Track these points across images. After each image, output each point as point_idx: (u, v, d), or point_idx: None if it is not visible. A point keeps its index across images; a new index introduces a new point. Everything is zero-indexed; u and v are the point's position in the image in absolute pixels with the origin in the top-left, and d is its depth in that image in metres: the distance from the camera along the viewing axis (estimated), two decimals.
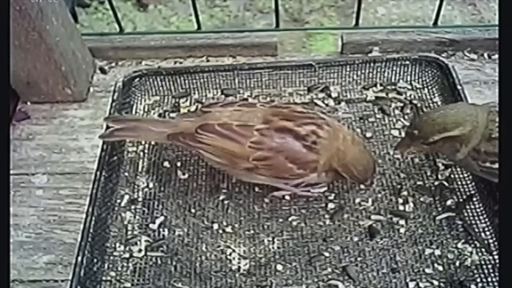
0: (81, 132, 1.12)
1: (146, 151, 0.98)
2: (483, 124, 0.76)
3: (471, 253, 0.82)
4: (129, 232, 0.87)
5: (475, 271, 0.80)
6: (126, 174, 0.94)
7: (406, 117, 1.01)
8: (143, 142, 1.00)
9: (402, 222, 0.86)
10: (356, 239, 0.84)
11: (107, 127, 0.88)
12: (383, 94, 1.04)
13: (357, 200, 0.89)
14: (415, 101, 1.03)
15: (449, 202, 0.88)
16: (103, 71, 1.26)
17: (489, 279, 0.79)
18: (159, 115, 1.04)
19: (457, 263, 0.81)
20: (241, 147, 0.80)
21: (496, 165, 0.75)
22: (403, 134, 0.97)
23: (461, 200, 0.88)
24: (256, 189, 0.91)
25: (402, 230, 0.85)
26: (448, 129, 0.77)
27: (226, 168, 0.87)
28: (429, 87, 1.04)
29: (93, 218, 0.82)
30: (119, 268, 0.83)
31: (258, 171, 0.83)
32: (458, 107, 0.80)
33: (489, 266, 0.80)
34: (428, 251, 0.82)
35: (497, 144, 0.74)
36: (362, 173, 0.84)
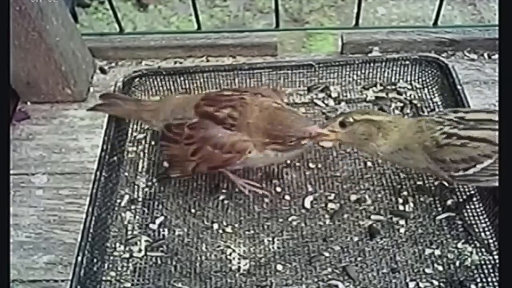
0: (81, 132, 1.12)
1: (146, 151, 0.98)
2: (410, 127, 0.80)
3: (471, 253, 0.82)
4: (129, 232, 0.87)
5: (475, 271, 0.80)
6: (126, 174, 0.94)
7: (406, 117, 1.01)
8: (143, 142, 1.00)
9: (402, 222, 0.86)
10: (356, 239, 0.84)
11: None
12: (383, 94, 1.04)
13: (357, 200, 0.89)
14: (415, 101, 1.03)
15: (449, 202, 0.88)
16: (103, 71, 1.26)
17: (489, 279, 0.79)
18: None
19: (457, 263, 0.81)
20: (181, 148, 0.84)
21: (471, 171, 0.76)
22: None
23: (461, 200, 0.88)
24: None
25: (402, 230, 0.85)
26: (371, 113, 0.82)
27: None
28: (429, 87, 1.04)
29: (93, 218, 0.82)
30: (119, 268, 0.83)
31: (199, 168, 0.84)
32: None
33: (489, 266, 0.80)
34: (428, 251, 0.82)
35: (460, 150, 0.75)
36: (292, 131, 0.80)
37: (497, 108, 0.87)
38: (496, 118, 0.77)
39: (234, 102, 0.83)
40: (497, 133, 0.74)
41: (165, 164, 0.95)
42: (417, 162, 0.80)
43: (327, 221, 0.87)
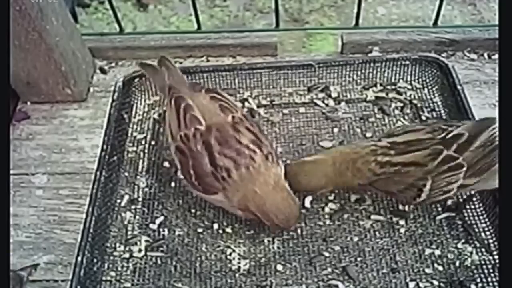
0: (81, 132, 1.12)
1: (146, 151, 0.98)
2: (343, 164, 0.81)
3: (471, 253, 0.82)
4: (129, 232, 0.87)
5: (475, 271, 0.80)
6: (126, 174, 0.94)
7: (406, 117, 1.01)
8: (143, 142, 1.00)
9: (402, 222, 0.86)
10: (356, 239, 0.84)
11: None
12: (383, 94, 1.04)
13: (357, 200, 0.89)
14: (415, 101, 1.03)
15: (449, 202, 0.88)
16: (103, 71, 1.26)
17: (489, 279, 0.79)
18: (159, 115, 1.04)
19: (457, 263, 0.81)
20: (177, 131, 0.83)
21: (423, 196, 0.77)
22: None
23: (461, 200, 0.88)
24: None
25: (402, 230, 0.85)
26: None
27: None
28: (429, 87, 1.04)
29: (93, 218, 0.82)
30: (119, 268, 0.83)
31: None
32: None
33: (489, 266, 0.80)
34: (428, 251, 0.82)
35: (397, 180, 0.78)
36: (283, 222, 0.79)
37: (426, 123, 0.88)
38: (423, 136, 0.78)
39: (240, 157, 0.79)
40: (425, 151, 0.75)
41: (166, 164, 0.96)
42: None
43: (327, 221, 0.87)
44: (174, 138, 0.84)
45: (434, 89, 1.03)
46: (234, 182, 0.78)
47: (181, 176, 0.87)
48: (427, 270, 0.80)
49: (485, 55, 1.22)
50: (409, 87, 1.05)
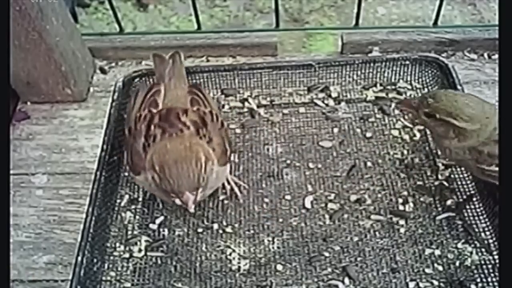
0: (81, 132, 1.12)
1: None
2: (490, 128, 0.76)
3: (471, 253, 0.82)
4: (129, 232, 0.87)
5: (475, 271, 0.80)
6: (126, 174, 0.94)
7: (406, 117, 1.01)
8: None
9: (402, 222, 0.86)
10: (356, 239, 0.84)
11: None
12: (383, 94, 1.04)
13: (357, 200, 0.89)
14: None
15: (449, 202, 0.88)
16: (103, 71, 1.26)
17: (489, 279, 0.79)
18: None
19: (457, 263, 0.81)
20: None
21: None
22: (403, 134, 0.98)
23: (461, 200, 0.88)
24: (256, 188, 0.91)
25: (402, 230, 0.85)
26: (458, 118, 0.77)
27: None
28: (429, 87, 1.04)
29: (93, 218, 0.82)
30: (119, 268, 0.83)
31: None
32: (481, 104, 0.79)
33: (489, 266, 0.80)
34: (428, 251, 0.82)
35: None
36: (176, 180, 0.72)
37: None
38: None
39: (171, 128, 0.78)
40: None
41: None
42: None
43: (327, 221, 0.87)
44: (129, 120, 0.85)
45: (434, 89, 1.03)
46: (154, 145, 0.77)
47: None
48: (427, 270, 0.80)
49: (485, 55, 1.22)
50: (409, 87, 1.05)
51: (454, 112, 0.77)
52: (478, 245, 0.82)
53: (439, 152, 0.93)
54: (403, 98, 1.03)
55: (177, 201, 0.74)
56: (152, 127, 0.79)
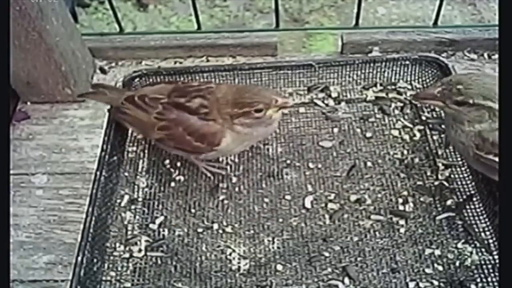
0: (81, 132, 1.12)
1: (146, 151, 0.98)
2: None
3: (471, 253, 0.82)
4: (129, 232, 0.87)
5: (475, 271, 0.80)
6: (126, 174, 0.94)
7: (406, 117, 1.01)
8: (143, 142, 1.00)
9: (402, 222, 0.86)
10: (356, 239, 0.84)
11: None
12: (383, 94, 1.04)
13: (357, 200, 0.89)
14: (415, 101, 1.03)
15: (449, 202, 0.88)
16: (103, 71, 1.26)
17: (489, 279, 0.79)
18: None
19: (457, 263, 0.81)
20: (149, 117, 0.86)
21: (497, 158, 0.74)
22: (403, 134, 0.98)
23: (461, 200, 0.88)
24: (256, 188, 0.91)
25: (402, 230, 0.85)
26: (494, 100, 0.75)
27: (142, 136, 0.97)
28: (429, 87, 1.04)
29: (93, 218, 0.82)
30: (119, 268, 0.83)
31: (165, 142, 0.88)
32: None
33: (489, 266, 0.80)
34: (428, 251, 0.82)
35: None
36: (258, 97, 0.81)
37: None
38: None
39: (202, 92, 0.85)
40: None
41: (166, 164, 0.96)
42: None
43: (327, 221, 0.87)
44: (150, 127, 0.87)
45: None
46: (210, 106, 0.84)
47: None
48: (427, 270, 0.80)
49: (485, 55, 1.22)
50: (409, 87, 1.05)
51: (489, 94, 0.75)
52: (478, 245, 0.82)
53: (439, 152, 0.93)
54: (402, 98, 1.03)
55: (276, 117, 0.83)
56: (190, 103, 0.84)
